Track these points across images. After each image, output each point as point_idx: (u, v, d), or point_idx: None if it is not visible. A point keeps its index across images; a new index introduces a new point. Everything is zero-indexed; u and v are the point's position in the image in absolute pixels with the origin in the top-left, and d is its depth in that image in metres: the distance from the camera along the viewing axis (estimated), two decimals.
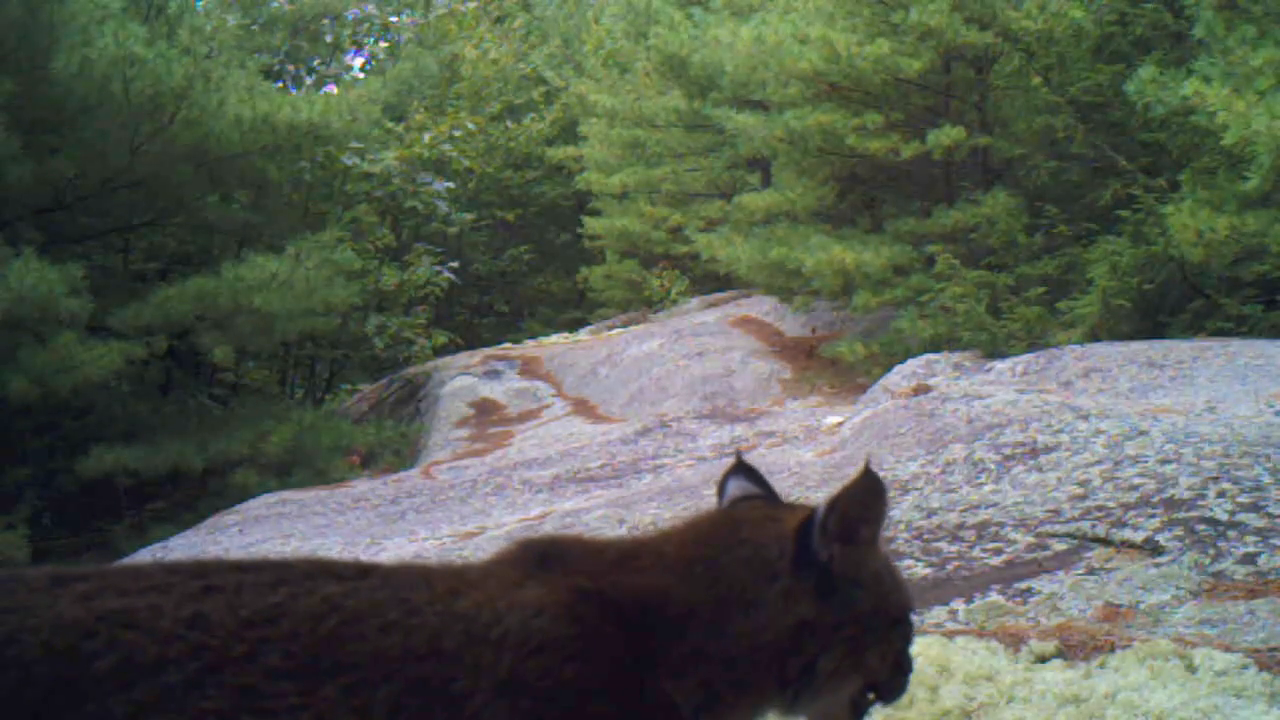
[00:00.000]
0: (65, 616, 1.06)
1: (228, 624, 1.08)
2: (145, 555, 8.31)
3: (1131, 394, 6.96)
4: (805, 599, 1.29)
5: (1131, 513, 4.19)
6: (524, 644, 1.15)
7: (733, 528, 1.33)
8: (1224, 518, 3.98)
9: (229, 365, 16.96)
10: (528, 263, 24.92)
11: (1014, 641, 3.04)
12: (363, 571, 1.19)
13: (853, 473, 1.37)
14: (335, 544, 7.34)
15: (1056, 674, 2.82)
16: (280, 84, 22.25)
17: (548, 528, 6.43)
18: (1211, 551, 3.74)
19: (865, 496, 1.33)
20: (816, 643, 1.30)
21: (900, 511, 4.89)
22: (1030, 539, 4.19)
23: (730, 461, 1.51)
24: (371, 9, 28.17)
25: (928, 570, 4.09)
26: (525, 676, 1.14)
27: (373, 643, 1.11)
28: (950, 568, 4.08)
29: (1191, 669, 2.77)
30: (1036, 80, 11.82)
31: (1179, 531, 3.93)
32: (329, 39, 26.38)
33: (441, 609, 1.16)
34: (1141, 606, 3.44)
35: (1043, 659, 2.95)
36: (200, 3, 17.84)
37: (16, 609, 1.06)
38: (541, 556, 1.26)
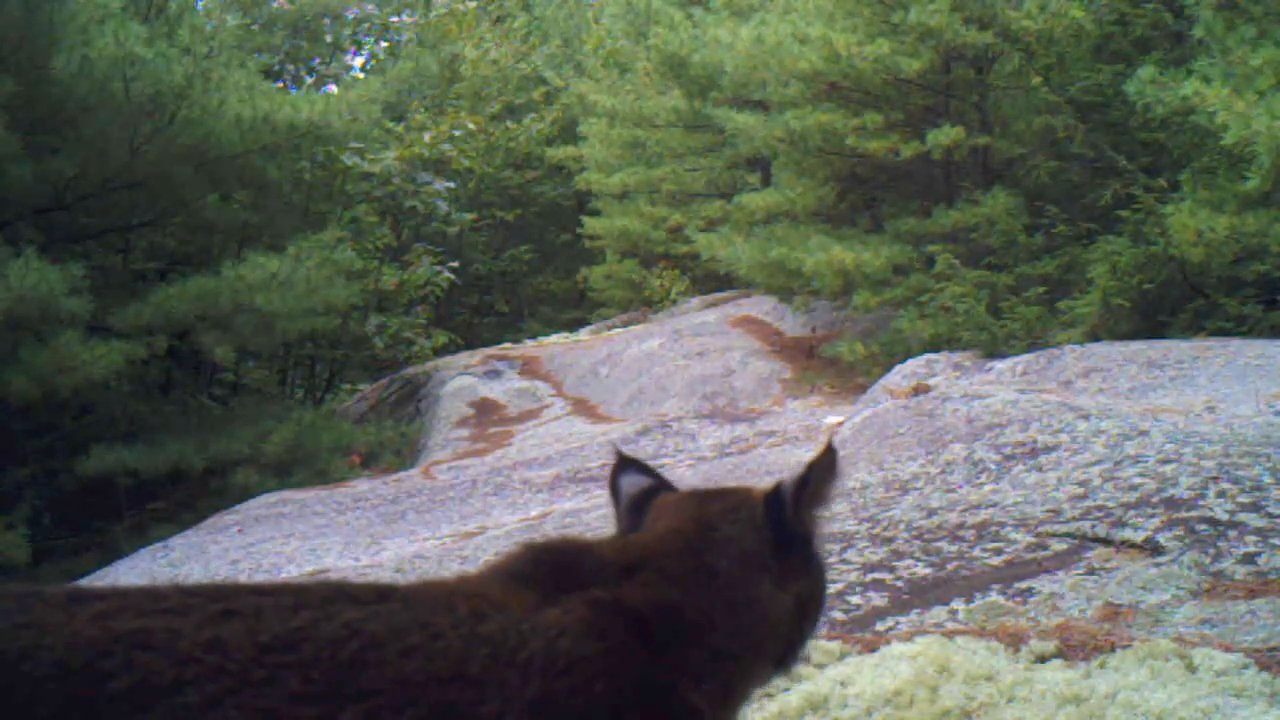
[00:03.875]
0: (81, 635, 1.05)
1: (246, 648, 1.08)
2: (145, 555, 8.31)
3: (1131, 394, 6.96)
4: (793, 577, 1.37)
5: (1131, 513, 4.19)
6: (551, 665, 1.16)
7: (710, 528, 1.35)
8: (1224, 518, 3.98)
9: (229, 365, 16.95)
10: (528, 263, 24.91)
11: (1014, 641, 3.04)
12: (383, 594, 1.19)
13: (818, 454, 1.45)
14: (335, 544, 7.35)
15: (1056, 674, 2.82)
16: (280, 84, 22.29)
17: (548, 528, 6.43)
18: (1211, 551, 3.74)
19: (832, 468, 1.43)
20: (811, 611, 1.41)
21: (900, 511, 4.88)
22: (1030, 539, 4.19)
23: (614, 464, 1.51)
24: (371, 9, 28.21)
25: (928, 570, 4.09)
26: (555, 696, 1.15)
27: (395, 667, 1.11)
28: (950, 567, 4.08)
29: (1191, 669, 2.77)
30: (1036, 80, 11.82)
31: (1179, 531, 3.93)
32: (329, 39, 26.44)
33: (466, 632, 1.16)
34: (1141, 606, 3.44)
35: (1043, 659, 2.94)
36: (200, 3, 17.85)
37: (32, 625, 1.05)
38: (554, 568, 1.27)
